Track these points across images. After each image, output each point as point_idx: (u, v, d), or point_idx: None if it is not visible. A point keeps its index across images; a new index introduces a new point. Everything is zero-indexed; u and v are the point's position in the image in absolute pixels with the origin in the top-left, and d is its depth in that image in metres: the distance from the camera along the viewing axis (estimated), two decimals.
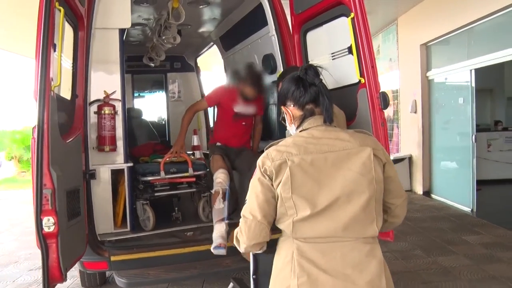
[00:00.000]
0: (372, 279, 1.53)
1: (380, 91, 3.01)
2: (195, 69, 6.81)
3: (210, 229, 3.60)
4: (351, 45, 3.11)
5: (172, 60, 6.57)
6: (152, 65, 6.06)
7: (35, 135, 2.27)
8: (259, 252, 1.68)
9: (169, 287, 4.00)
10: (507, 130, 8.66)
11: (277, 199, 1.59)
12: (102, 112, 3.41)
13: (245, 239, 1.61)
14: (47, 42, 2.31)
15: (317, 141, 1.60)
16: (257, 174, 1.62)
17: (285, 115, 1.75)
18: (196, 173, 3.77)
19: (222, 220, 3.26)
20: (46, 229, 2.29)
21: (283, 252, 1.61)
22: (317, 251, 1.55)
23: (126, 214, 3.57)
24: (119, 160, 3.51)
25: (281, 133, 3.96)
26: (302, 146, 1.59)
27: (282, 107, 1.75)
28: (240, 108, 3.82)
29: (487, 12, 5.54)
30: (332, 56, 3.36)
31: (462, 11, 6.00)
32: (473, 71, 6.08)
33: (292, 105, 1.70)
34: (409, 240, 5.11)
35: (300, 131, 1.67)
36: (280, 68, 3.98)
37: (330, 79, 3.34)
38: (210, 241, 3.38)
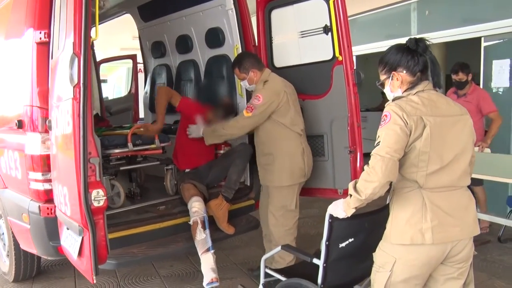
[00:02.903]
0: (474, 217, 1.94)
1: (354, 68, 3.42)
2: None
3: (178, 202, 3.57)
4: (326, 25, 3.41)
5: None
6: None
7: (78, 95, 1.97)
8: (382, 194, 1.86)
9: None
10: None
11: (407, 149, 1.83)
12: None
13: (381, 176, 1.78)
14: None
15: (435, 104, 1.90)
16: (394, 121, 1.81)
17: (390, 79, 1.97)
18: (162, 144, 3.60)
19: (208, 250, 3.12)
20: (95, 204, 2.03)
21: (411, 200, 1.88)
22: (441, 198, 1.87)
23: None
24: None
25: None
26: (428, 106, 1.87)
27: (394, 72, 1.96)
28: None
29: (371, 7, 6.44)
30: (302, 35, 3.60)
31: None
32: (354, 58, 6.98)
33: (404, 72, 1.94)
34: (320, 207, 5.70)
35: (416, 93, 1.92)
36: (230, 43, 4.05)
37: (297, 55, 3.68)
38: (184, 213, 3.36)
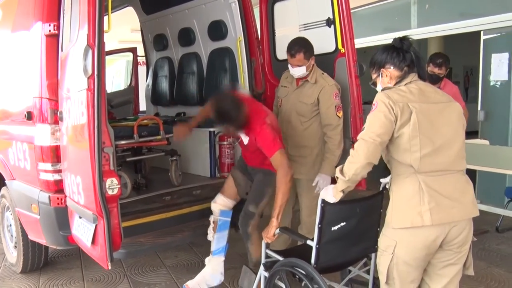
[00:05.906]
0: (472, 199, 2.04)
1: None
2: None
3: (184, 193, 3.66)
4: (329, 17, 3.46)
5: None
6: None
7: (93, 86, 2.02)
8: (364, 176, 1.99)
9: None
10: None
11: (393, 136, 1.94)
12: None
13: (362, 158, 1.92)
14: None
15: (423, 93, 2.02)
16: (380, 109, 1.94)
17: (380, 76, 2.11)
18: (167, 136, 3.64)
19: (211, 253, 3.15)
20: (110, 192, 2.10)
21: (409, 185, 1.97)
22: (437, 182, 1.96)
23: None
24: None
25: None
26: (416, 94, 1.99)
27: (382, 69, 2.10)
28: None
29: (371, 0, 6.48)
30: (304, 27, 3.65)
31: None
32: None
33: (392, 68, 2.08)
34: None
35: (405, 84, 2.04)
36: (233, 36, 4.09)
37: None
38: (190, 203, 3.45)
